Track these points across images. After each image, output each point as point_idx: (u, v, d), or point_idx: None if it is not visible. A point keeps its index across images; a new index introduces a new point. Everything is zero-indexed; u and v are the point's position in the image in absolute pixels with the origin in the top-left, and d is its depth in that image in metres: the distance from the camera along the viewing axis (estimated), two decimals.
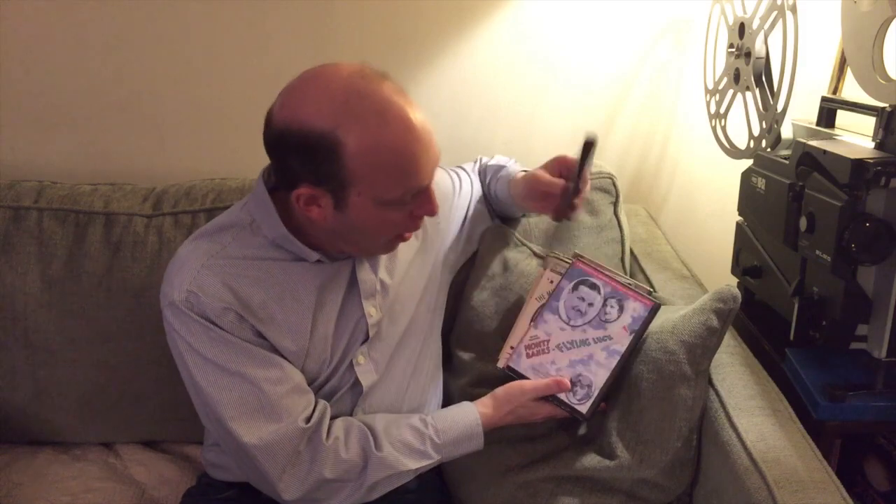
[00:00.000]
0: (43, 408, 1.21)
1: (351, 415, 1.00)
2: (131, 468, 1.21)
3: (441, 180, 1.18)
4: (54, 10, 1.31)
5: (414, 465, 0.95)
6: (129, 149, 1.42)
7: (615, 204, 1.32)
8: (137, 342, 1.19)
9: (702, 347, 0.96)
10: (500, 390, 1.02)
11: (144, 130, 1.41)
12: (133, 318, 1.19)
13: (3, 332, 1.18)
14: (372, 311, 1.00)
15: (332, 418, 0.95)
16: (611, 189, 1.32)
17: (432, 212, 0.93)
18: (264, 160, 1.04)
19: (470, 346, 1.17)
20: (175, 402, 1.19)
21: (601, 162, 1.36)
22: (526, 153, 1.48)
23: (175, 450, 1.26)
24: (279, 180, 0.93)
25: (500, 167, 1.21)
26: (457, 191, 1.19)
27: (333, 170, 0.85)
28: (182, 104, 1.40)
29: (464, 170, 1.24)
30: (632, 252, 1.34)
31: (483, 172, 1.25)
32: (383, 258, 1.04)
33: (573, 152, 1.48)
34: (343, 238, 0.95)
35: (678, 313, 1.01)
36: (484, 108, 1.48)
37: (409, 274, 1.07)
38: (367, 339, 1.00)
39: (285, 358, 0.94)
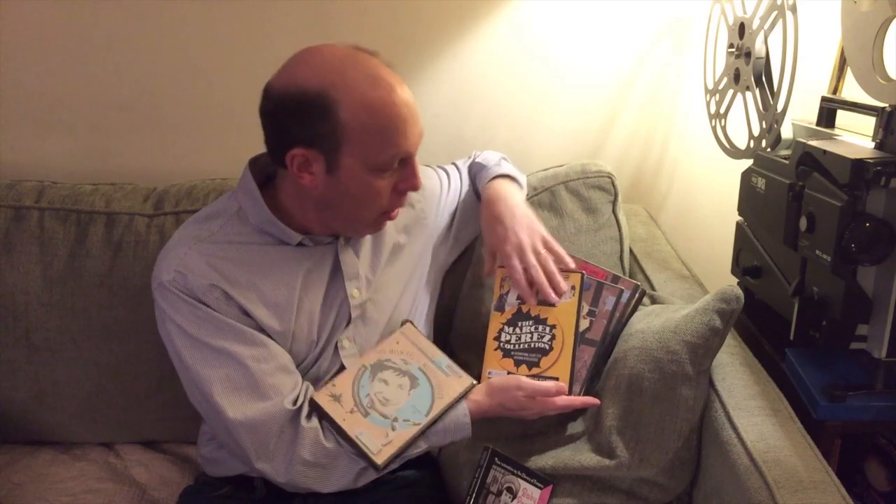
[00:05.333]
0: (43, 408, 1.21)
1: None
2: (132, 468, 1.21)
3: (429, 178, 1.19)
4: (54, 10, 1.31)
5: None
6: (130, 149, 1.42)
7: (614, 203, 1.33)
8: (138, 342, 1.19)
9: (704, 348, 0.96)
10: (496, 380, 1.03)
11: (145, 130, 1.41)
12: (134, 317, 1.19)
13: (4, 331, 1.18)
14: (355, 292, 1.02)
15: None
16: (610, 188, 1.32)
17: (415, 186, 0.96)
18: None
19: (468, 345, 1.18)
20: (176, 402, 1.18)
21: (601, 161, 1.36)
22: (526, 153, 1.49)
23: (175, 450, 1.26)
24: (275, 151, 0.94)
25: (482, 167, 1.21)
26: (444, 188, 1.20)
27: (328, 129, 0.88)
28: (182, 104, 1.40)
29: (455, 166, 1.25)
30: (631, 252, 1.34)
31: (471, 168, 1.25)
32: (367, 247, 1.05)
33: (572, 153, 1.50)
34: (333, 210, 0.96)
35: (680, 313, 1.01)
36: (484, 108, 1.48)
37: (394, 265, 1.08)
38: (349, 320, 1.02)
39: (271, 338, 0.96)
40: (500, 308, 1.09)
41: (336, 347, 1.02)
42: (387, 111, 0.89)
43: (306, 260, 1.00)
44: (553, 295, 1.05)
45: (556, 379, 1.02)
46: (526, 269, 1.05)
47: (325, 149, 0.90)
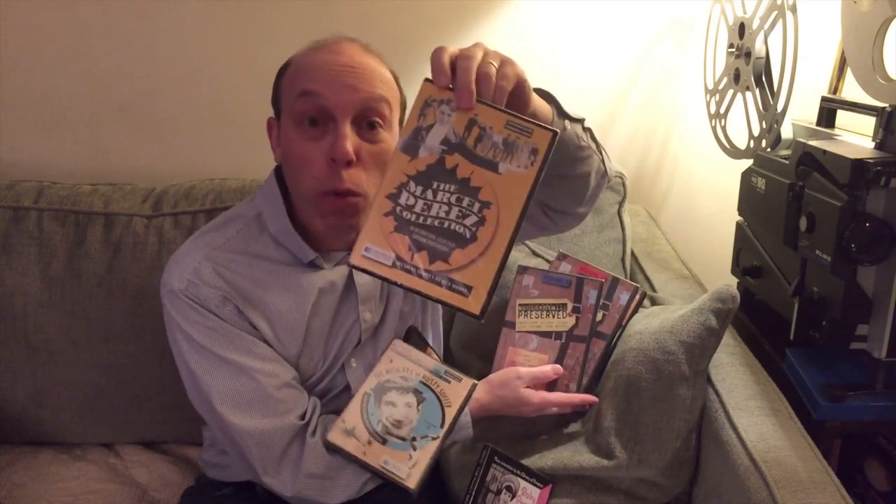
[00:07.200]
0: (43, 408, 1.21)
1: None
2: (132, 469, 1.21)
3: None
4: (54, 10, 1.31)
5: None
6: (129, 149, 1.42)
7: (620, 203, 1.32)
8: (138, 342, 1.19)
9: (700, 348, 0.96)
10: (494, 375, 1.03)
11: (144, 130, 1.41)
12: (133, 318, 1.19)
13: (3, 332, 1.18)
14: (367, 315, 1.01)
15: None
16: (619, 189, 1.32)
17: (338, 152, 0.86)
18: (264, 160, 1.04)
19: (468, 345, 1.18)
20: (176, 402, 1.19)
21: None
22: None
23: (176, 451, 1.26)
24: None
25: None
26: None
27: (278, 90, 0.95)
28: (182, 104, 1.40)
29: None
30: (632, 252, 1.34)
31: None
32: None
33: None
34: (290, 187, 0.96)
35: (677, 313, 1.01)
36: None
37: None
38: (359, 342, 1.01)
39: (279, 354, 0.95)
40: (412, 151, 0.68)
41: (343, 367, 1.00)
42: (313, 61, 0.90)
43: (319, 280, 0.98)
44: (471, 99, 0.67)
45: (470, 287, 0.66)
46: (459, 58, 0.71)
47: (277, 110, 0.95)
